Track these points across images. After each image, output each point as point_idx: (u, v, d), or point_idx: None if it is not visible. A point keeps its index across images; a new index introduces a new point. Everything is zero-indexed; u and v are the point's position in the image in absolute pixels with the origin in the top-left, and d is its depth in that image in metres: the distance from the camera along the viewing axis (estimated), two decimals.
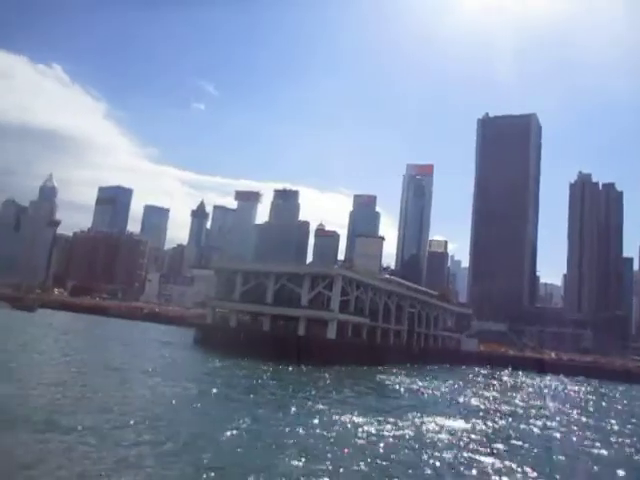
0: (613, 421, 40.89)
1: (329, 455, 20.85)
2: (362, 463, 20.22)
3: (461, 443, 25.59)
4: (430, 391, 50.53)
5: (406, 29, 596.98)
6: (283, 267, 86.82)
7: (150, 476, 17.04)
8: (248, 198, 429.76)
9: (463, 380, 69.81)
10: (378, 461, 20.91)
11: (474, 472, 20.81)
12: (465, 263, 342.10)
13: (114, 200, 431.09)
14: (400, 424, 28.67)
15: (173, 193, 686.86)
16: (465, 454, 23.23)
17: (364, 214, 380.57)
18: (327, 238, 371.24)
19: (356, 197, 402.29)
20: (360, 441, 23.86)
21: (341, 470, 19.24)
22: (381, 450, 22.55)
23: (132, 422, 22.85)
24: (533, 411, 43.27)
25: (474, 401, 45.71)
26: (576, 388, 76.58)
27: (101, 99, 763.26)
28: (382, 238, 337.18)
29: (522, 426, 33.82)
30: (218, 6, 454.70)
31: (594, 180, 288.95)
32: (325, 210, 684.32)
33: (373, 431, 26.14)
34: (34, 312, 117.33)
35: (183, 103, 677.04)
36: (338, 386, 46.38)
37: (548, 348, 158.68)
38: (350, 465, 19.94)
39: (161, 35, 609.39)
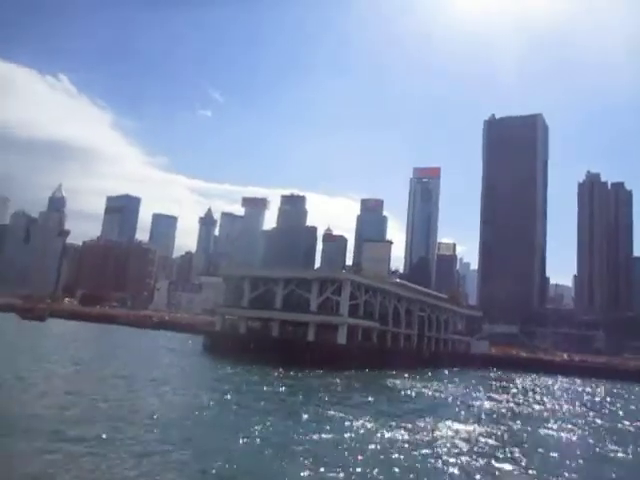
0: (628, 422, 40.21)
1: (341, 462, 20.49)
2: (375, 470, 19.86)
3: (476, 448, 25.14)
4: (442, 395, 50.00)
5: (408, 30, 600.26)
6: (291, 272, 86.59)
7: None
8: (255, 205, 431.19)
9: (475, 383, 69.10)
10: (392, 468, 20.53)
11: (490, 479, 20.41)
12: (474, 265, 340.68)
13: (122, 209, 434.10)
14: (413, 429, 28.27)
15: (182, 201, 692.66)
16: (481, 460, 22.79)
17: (371, 218, 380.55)
18: (335, 243, 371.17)
19: (363, 201, 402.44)
20: (373, 447, 23.47)
21: (353, 478, 18.91)
22: (395, 456, 22.15)
23: (142, 431, 22.64)
24: (547, 414, 42.65)
25: (487, 404, 45.16)
26: (590, 389, 75.64)
27: (107, 109, 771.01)
28: (390, 242, 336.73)
29: (537, 429, 33.24)
30: (220, 7, 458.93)
31: (603, 179, 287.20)
32: (332, 215, 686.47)
33: (386, 437, 25.76)
34: (44, 321, 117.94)
35: (189, 110, 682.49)
36: (349, 391, 46.03)
37: (560, 350, 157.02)
38: (363, 472, 19.58)
39: (165, 42, 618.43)
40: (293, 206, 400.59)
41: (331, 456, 21.30)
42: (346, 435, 25.25)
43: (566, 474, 22.11)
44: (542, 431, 32.93)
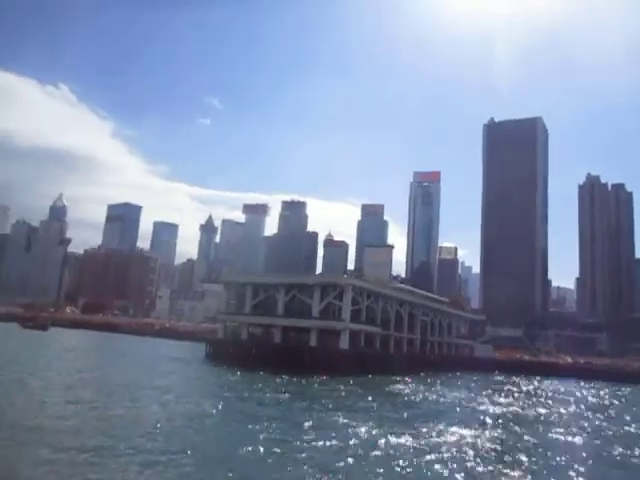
0: (635, 425, 39.83)
1: (346, 469, 20.26)
2: (381, 478, 19.64)
3: (482, 453, 24.88)
4: (446, 399, 49.64)
5: (407, 32, 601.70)
6: (293, 278, 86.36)
7: None
8: (256, 211, 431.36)
9: (479, 387, 68.76)
10: (398, 475, 20.28)
11: None
12: (476, 269, 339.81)
13: (123, 217, 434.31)
14: (418, 435, 27.99)
15: (182, 209, 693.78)
16: (487, 465, 22.52)
17: (372, 223, 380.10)
18: (336, 248, 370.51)
19: (364, 206, 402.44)
20: (378, 453, 23.19)
21: None
22: (400, 462, 21.83)
23: (144, 440, 22.38)
24: (552, 417, 42.32)
25: (492, 409, 44.77)
26: (595, 392, 75.15)
27: (108, 118, 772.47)
28: (391, 247, 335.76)
29: (543, 433, 32.97)
30: (220, 6, 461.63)
31: (603, 181, 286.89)
32: (333, 220, 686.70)
33: (391, 443, 25.47)
34: (46, 330, 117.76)
35: (189, 119, 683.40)
36: (352, 397, 45.72)
37: (563, 352, 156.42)
38: (368, 479, 19.38)
39: (164, 44, 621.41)
40: (294, 212, 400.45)
41: (336, 463, 21.04)
42: (351, 441, 24.98)
43: (574, 477, 21.82)
44: (548, 435, 32.63)
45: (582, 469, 23.59)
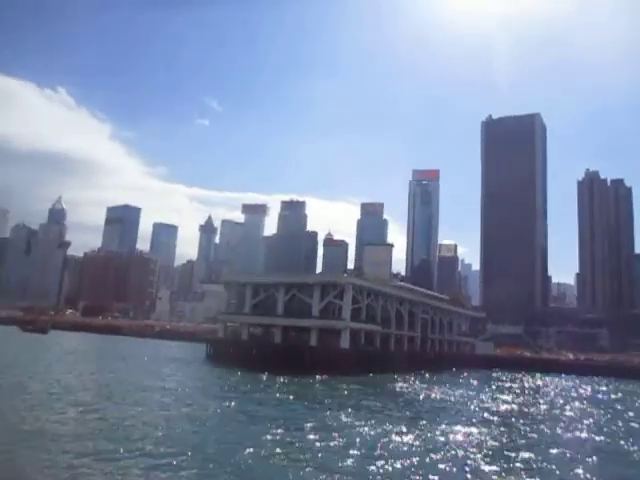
0: (639, 420, 39.74)
1: (351, 468, 20.10)
2: (387, 476, 19.50)
3: (487, 450, 24.68)
4: (448, 397, 49.49)
5: (403, 31, 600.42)
6: (292, 278, 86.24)
7: None
8: (255, 211, 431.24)
9: (480, 385, 68.61)
10: (403, 473, 20.09)
11: None
12: (476, 266, 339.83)
13: (123, 219, 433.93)
14: (422, 433, 27.83)
15: (182, 210, 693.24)
16: (494, 461, 22.30)
17: (372, 222, 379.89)
18: (336, 247, 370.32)
19: (363, 205, 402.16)
20: (383, 452, 22.96)
21: None
22: (406, 461, 21.59)
23: (146, 444, 22.12)
24: (556, 413, 42.18)
25: (494, 406, 44.65)
26: (596, 388, 75.04)
27: (106, 120, 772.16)
28: (391, 245, 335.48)
29: (547, 430, 32.82)
30: (219, 6, 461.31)
31: (602, 177, 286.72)
32: (333, 219, 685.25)
33: (396, 441, 25.29)
34: (46, 334, 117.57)
35: (188, 120, 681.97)
36: (354, 396, 45.52)
37: (564, 348, 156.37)
38: (374, 478, 19.24)
39: (164, 44, 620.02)
40: (293, 212, 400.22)
41: (339, 463, 20.85)
42: (354, 441, 24.76)
43: (580, 474, 21.69)
44: (552, 431, 32.49)
45: (587, 465, 23.43)
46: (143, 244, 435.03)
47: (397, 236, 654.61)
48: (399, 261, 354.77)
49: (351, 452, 22.61)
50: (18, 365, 49.92)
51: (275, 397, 40.84)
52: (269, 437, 24.77)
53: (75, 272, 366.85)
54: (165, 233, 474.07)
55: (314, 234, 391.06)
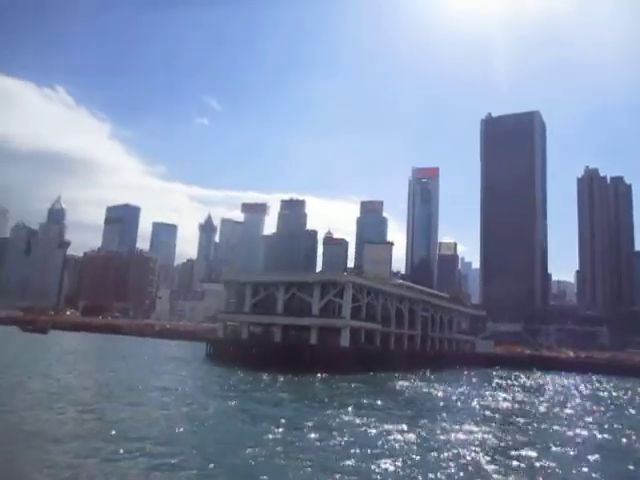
0: None
1: (352, 469, 20.01)
2: (389, 475, 19.43)
3: (489, 449, 24.57)
4: (449, 395, 49.42)
5: (403, 31, 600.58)
6: (292, 276, 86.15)
7: None
8: (255, 210, 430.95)
9: (481, 383, 68.56)
10: (405, 471, 20.02)
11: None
12: (476, 264, 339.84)
13: (122, 219, 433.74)
14: (423, 432, 27.74)
15: (181, 209, 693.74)
16: (495, 461, 22.22)
17: (371, 220, 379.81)
18: (336, 246, 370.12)
19: (363, 203, 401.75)
20: (384, 451, 22.88)
21: None
22: (408, 460, 21.53)
23: (147, 443, 21.98)
24: (556, 411, 42.14)
25: (495, 403, 44.59)
26: (597, 385, 75.04)
27: (106, 120, 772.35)
28: (391, 243, 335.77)
29: (547, 428, 32.74)
30: (219, 6, 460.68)
31: (602, 174, 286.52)
32: (332, 218, 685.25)
33: (397, 440, 25.18)
34: (46, 334, 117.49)
35: (187, 119, 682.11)
36: (355, 394, 45.45)
37: (564, 346, 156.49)
38: (375, 477, 19.17)
39: (163, 43, 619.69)
40: (293, 210, 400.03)
41: (341, 462, 20.77)
42: (355, 440, 24.66)
43: (582, 472, 21.63)
44: (553, 429, 32.42)
45: (589, 462, 23.38)
46: (143, 243, 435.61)
47: (397, 234, 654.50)
48: (399, 259, 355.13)
49: (352, 451, 22.52)
50: (18, 365, 49.86)
51: (275, 396, 40.77)
52: (269, 436, 24.69)
53: (75, 272, 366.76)
54: (165, 232, 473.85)
55: (314, 233, 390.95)
